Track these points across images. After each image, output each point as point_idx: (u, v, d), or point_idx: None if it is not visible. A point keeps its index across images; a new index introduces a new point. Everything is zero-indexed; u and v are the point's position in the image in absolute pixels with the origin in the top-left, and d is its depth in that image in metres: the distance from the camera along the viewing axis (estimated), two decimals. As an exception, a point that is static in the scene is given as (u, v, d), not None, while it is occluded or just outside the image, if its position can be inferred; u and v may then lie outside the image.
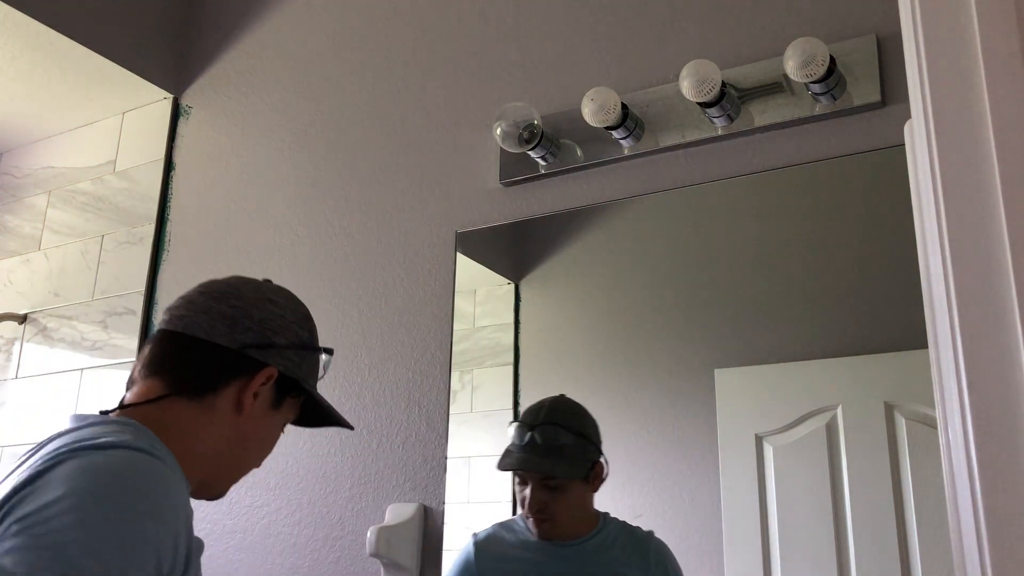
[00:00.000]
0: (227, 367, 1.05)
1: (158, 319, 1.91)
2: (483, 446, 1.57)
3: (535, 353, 1.55)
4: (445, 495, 1.54)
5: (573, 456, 1.39)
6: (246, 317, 1.07)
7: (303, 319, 1.14)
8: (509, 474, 1.51)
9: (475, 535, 1.47)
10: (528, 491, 1.41)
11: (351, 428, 1.19)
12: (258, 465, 1.10)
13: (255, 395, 1.05)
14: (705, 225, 1.46)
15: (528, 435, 1.42)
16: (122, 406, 1.02)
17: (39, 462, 0.82)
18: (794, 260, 1.37)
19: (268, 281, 1.17)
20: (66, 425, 0.95)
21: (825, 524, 1.24)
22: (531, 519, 1.41)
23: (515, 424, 1.46)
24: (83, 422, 0.93)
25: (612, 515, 1.39)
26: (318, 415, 1.18)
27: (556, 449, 1.40)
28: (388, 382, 1.66)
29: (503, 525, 1.45)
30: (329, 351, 1.21)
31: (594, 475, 1.39)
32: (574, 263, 1.57)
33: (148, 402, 1.01)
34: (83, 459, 0.82)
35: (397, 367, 1.66)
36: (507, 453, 1.46)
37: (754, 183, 1.41)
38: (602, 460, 1.39)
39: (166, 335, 1.06)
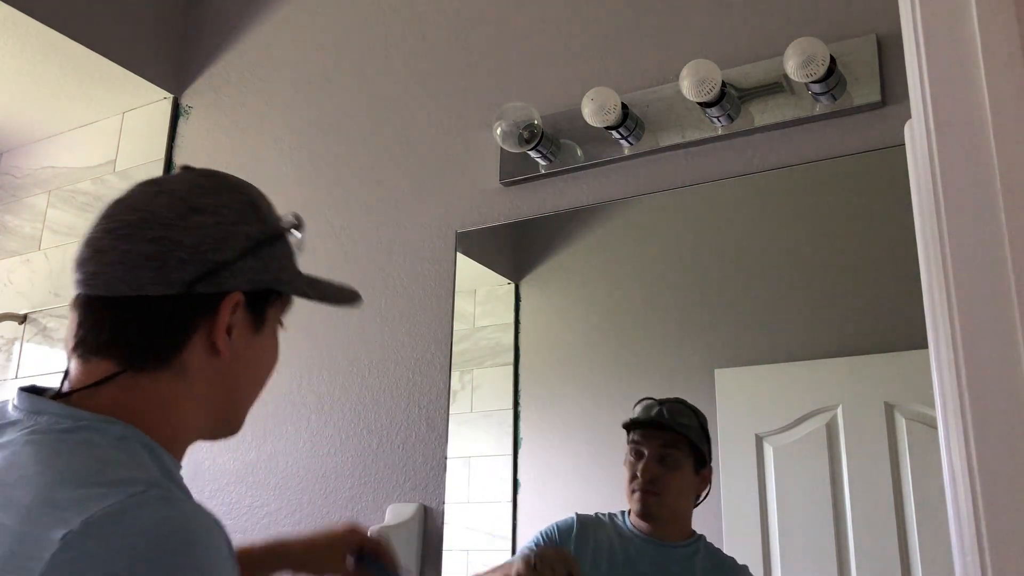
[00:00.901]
0: (179, 318, 0.81)
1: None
2: (483, 446, 1.57)
3: (535, 353, 1.55)
4: (445, 495, 1.54)
5: (695, 439, 1.42)
6: (175, 247, 0.80)
7: (246, 209, 0.87)
8: (509, 474, 1.51)
9: (578, 513, 1.48)
10: (642, 464, 1.43)
11: (357, 302, 0.96)
12: (270, 375, 0.91)
13: (229, 330, 0.83)
14: (705, 225, 1.46)
15: (656, 408, 1.44)
16: (63, 393, 0.79)
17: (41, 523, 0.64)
18: (794, 260, 1.37)
19: (185, 169, 0.90)
20: (17, 410, 0.77)
21: (825, 524, 1.24)
22: (637, 494, 1.42)
23: (642, 401, 1.47)
24: (51, 420, 0.75)
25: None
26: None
27: (682, 426, 1.42)
28: (388, 382, 1.66)
29: (605, 514, 1.47)
30: (295, 225, 0.93)
31: (703, 476, 1.40)
32: (574, 263, 1.57)
33: (101, 382, 0.78)
34: (114, 540, 0.63)
35: (397, 367, 1.66)
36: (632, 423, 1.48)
37: (754, 183, 1.41)
38: (711, 467, 1.40)
39: (86, 303, 0.81)
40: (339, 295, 0.95)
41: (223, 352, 0.83)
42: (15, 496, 0.67)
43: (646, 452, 1.42)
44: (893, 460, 1.22)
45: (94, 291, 0.81)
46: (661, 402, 1.45)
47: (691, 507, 1.39)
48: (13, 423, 0.76)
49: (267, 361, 0.90)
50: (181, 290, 0.80)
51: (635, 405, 1.47)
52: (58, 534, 0.62)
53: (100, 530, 0.63)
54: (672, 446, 1.41)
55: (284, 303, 0.92)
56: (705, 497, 1.38)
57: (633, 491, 1.43)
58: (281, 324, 0.93)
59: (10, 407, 0.79)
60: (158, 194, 0.85)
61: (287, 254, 0.91)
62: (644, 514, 1.41)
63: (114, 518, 0.63)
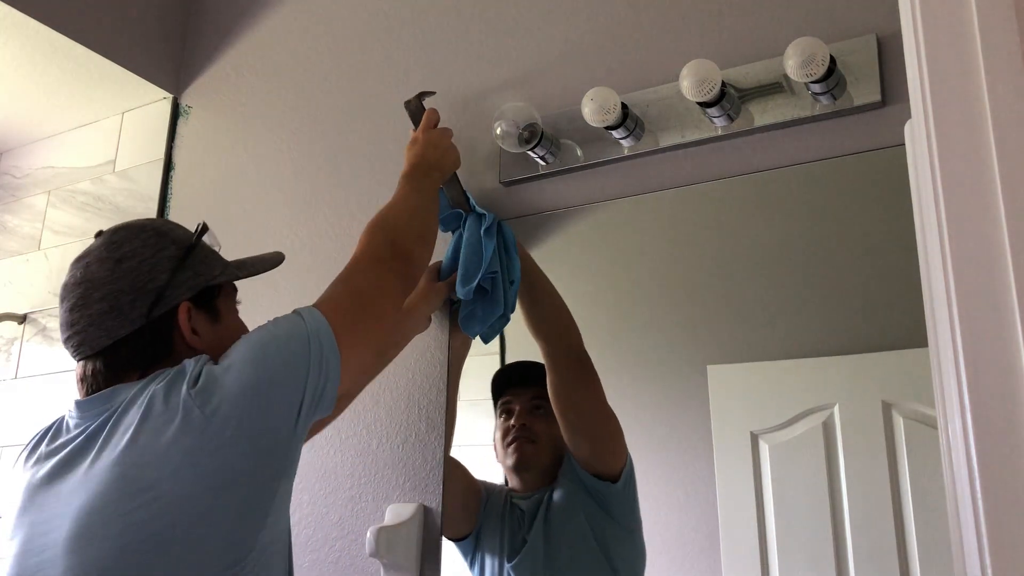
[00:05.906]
0: (156, 339, 1.03)
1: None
2: (467, 435, 1.57)
3: (528, 344, 1.54)
4: (444, 494, 1.54)
5: None
6: (120, 294, 1.01)
7: (157, 239, 1.06)
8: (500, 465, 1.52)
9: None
10: (515, 417, 1.49)
11: (281, 260, 1.19)
12: None
13: (193, 330, 1.05)
14: (704, 224, 1.46)
15: (519, 367, 1.55)
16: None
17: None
18: (792, 259, 1.37)
19: (98, 235, 1.09)
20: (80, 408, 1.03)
21: (822, 523, 1.24)
22: (513, 444, 1.47)
23: (499, 370, 1.57)
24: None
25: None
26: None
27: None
28: (387, 382, 1.66)
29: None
30: (201, 230, 1.12)
31: None
32: (572, 262, 1.57)
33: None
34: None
35: (396, 367, 1.65)
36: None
37: (754, 183, 1.41)
38: None
39: (84, 362, 1.04)
40: (264, 263, 1.17)
41: (197, 346, 1.04)
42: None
43: (516, 407, 1.49)
44: (891, 459, 1.22)
45: (84, 354, 1.03)
46: (518, 363, 1.53)
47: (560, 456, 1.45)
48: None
49: (235, 339, 1.05)
50: (144, 322, 1.02)
51: (494, 378, 1.55)
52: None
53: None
54: (542, 397, 1.47)
55: (228, 292, 1.13)
56: None
57: (511, 442, 1.48)
58: (236, 304, 1.16)
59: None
60: (87, 265, 1.05)
61: (209, 254, 1.12)
62: (521, 463, 1.46)
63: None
